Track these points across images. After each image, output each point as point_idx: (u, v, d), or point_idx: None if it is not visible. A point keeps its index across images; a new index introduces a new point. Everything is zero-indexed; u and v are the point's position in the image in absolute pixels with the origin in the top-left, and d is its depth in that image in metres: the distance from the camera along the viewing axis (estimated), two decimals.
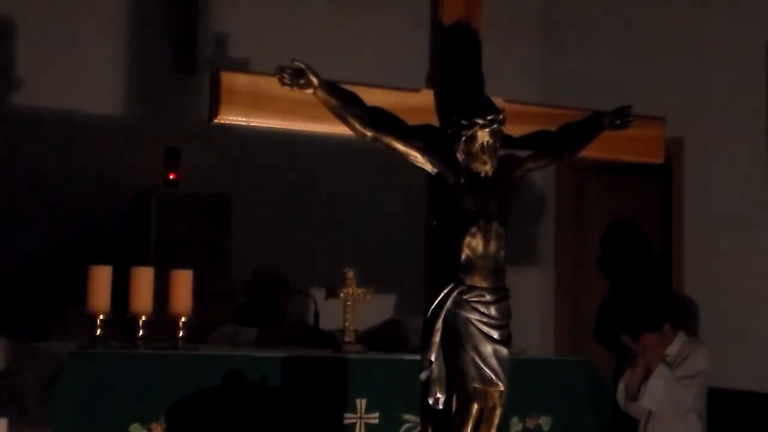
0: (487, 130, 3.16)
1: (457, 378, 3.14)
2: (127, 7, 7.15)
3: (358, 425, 4.54)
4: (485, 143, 3.17)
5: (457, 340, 3.12)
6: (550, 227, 7.93)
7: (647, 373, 5.79)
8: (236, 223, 6.90)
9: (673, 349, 5.88)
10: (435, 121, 3.38)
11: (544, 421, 4.86)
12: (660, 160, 3.83)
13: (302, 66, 3.10)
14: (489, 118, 3.16)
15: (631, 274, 7.61)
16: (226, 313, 6.08)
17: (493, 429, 3.15)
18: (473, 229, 3.14)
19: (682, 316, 6.38)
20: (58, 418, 4.13)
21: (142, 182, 6.94)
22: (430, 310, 3.14)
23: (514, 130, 3.38)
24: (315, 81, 3.11)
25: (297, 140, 5.64)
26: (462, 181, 3.18)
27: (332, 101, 3.16)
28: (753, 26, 6.65)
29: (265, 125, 3.28)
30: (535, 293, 7.81)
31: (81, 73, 6.94)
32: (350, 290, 4.83)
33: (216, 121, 3.22)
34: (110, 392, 4.22)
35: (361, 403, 4.54)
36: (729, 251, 6.68)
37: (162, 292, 4.60)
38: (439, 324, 3.13)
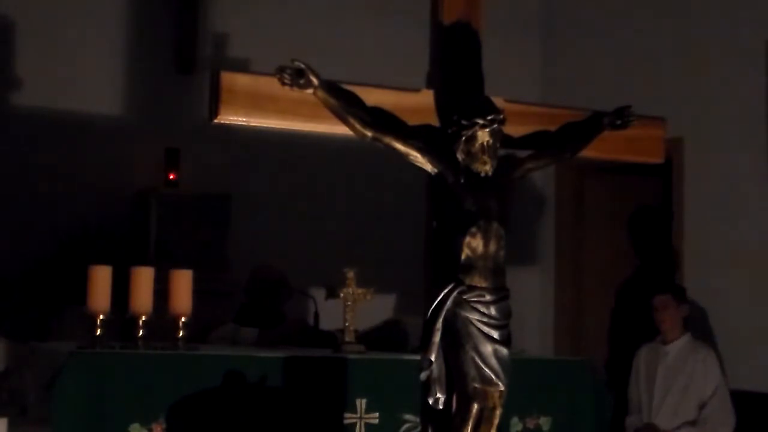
0: (487, 130, 3.16)
1: (457, 378, 3.14)
2: (126, 7, 7.15)
3: (358, 425, 4.54)
4: (485, 143, 3.17)
5: (457, 340, 3.12)
6: (550, 227, 7.93)
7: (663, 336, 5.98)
8: (236, 223, 6.90)
9: (674, 348, 5.93)
10: (435, 121, 3.38)
11: (544, 421, 4.86)
12: (660, 160, 3.82)
13: (302, 66, 3.10)
14: (489, 118, 3.16)
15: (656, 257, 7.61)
16: (226, 313, 6.07)
17: (493, 429, 3.14)
18: (473, 229, 3.14)
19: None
20: (59, 418, 4.13)
21: (142, 182, 6.95)
22: (430, 310, 3.14)
23: (514, 130, 3.38)
24: (315, 81, 3.11)
25: (297, 140, 5.64)
26: (462, 181, 3.18)
27: (332, 101, 3.16)
28: (753, 26, 6.65)
29: (265, 125, 3.27)
30: (535, 293, 7.81)
31: (81, 73, 6.95)
32: (350, 290, 4.83)
33: (216, 121, 3.22)
34: (110, 392, 4.21)
35: (361, 403, 4.54)
36: (729, 251, 6.68)
37: (162, 292, 4.60)
38: (439, 324, 3.13)
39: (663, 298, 5.98)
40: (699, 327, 6.44)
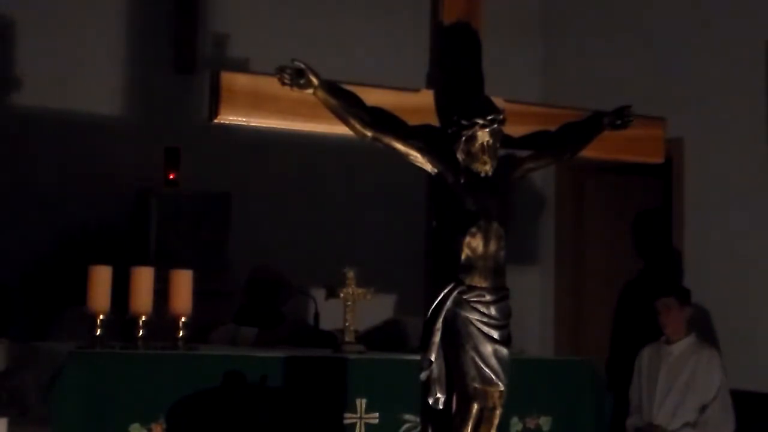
0: (487, 130, 3.16)
1: (457, 378, 3.14)
2: (126, 7, 7.15)
3: (358, 425, 4.54)
4: (485, 143, 3.17)
5: (457, 340, 3.12)
6: (550, 227, 7.93)
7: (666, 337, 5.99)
8: (236, 223, 6.89)
9: (678, 348, 5.93)
10: (435, 121, 3.38)
11: (544, 421, 4.86)
12: (660, 160, 3.82)
13: (302, 66, 3.10)
14: (489, 118, 3.16)
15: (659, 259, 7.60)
16: (226, 313, 6.07)
17: (493, 429, 3.14)
18: (473, 229, 3.14)
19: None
20: (58, 418, 4.13)
21: (142, 182, 6.94)
22: (430, 310, 3.14)
23: (514, 130, 3.38)
24: (315, 81, 3.12)
25: (297, 140, 5.64)
26: (462, 181, 3.18)
27: (332, 101, 3.17)
28: (753, 26, 6.65)
29: (265, 125, 3.27)
30: (535, 293, 7.81)
31: (81, 73, 6.94)
32: (350, 290, 4.83)
33: (216, 121, 3.22)
34: (110, 392, 4.22)
35: (361, 403, 4.54)
36: (729, 251, 6.68)
37: (162, 292, 4.60)
38: (439, 324, 3.13)
39: (666, 300, 5.97)
40: (700, 327, 6.44)
